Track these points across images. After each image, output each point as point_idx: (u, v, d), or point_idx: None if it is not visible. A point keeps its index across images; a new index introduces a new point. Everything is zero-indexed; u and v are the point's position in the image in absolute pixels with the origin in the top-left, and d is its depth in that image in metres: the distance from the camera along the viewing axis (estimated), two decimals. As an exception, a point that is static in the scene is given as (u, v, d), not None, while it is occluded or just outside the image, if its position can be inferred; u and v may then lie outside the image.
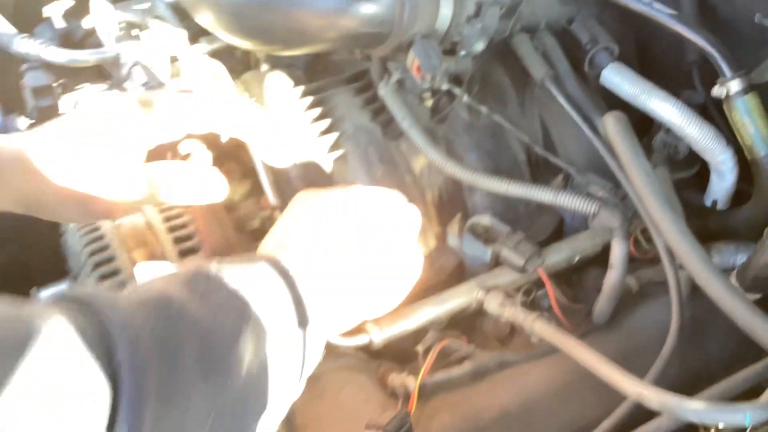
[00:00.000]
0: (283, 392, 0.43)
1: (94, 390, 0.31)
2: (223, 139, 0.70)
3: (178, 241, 0.76)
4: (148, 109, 0.56)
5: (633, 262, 0.85)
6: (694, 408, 0.58)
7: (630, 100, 0.83)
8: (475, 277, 0.85)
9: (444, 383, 0.75)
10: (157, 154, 0.61)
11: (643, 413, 0.65)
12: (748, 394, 0.64)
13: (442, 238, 0.88)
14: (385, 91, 0.87)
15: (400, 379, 0.75)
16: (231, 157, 0.86)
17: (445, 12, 0.78)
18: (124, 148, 0.56)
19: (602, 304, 0.80)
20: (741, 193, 0.87)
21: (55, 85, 0.84)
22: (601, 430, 0.68)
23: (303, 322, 0.43)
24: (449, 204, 0.90)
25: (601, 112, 0.80)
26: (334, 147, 0.86)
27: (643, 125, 0.90)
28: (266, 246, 0.50)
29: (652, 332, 0.77)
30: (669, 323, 0.73)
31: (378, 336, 0.78)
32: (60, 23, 0.93)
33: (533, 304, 0.82)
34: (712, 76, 0.78)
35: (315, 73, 0.97)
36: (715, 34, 0.77)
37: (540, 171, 0.94)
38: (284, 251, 0.47)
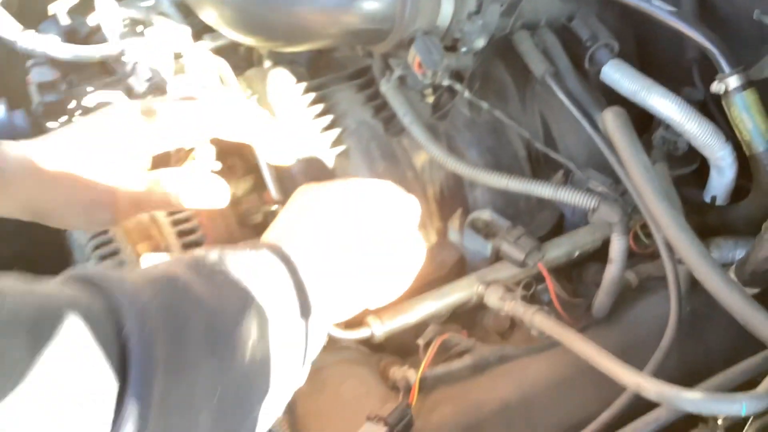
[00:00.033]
0: (286, 377, 0.44)
1: (103, 362, 0.31)
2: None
3: (181, 234, 0.77)
4: (150, 117, 0.57)
5: (632, 257, 0.86)
6: (690, 398, 0.59)
7: (630, 96, 0.84)
8: (475, 271, 0.85)
9: (445, 376, 0.76)
10: (161, 154, 0.62)
11: (641, 406, 0.66)
12: (746, 386, 0.65)
13: (443, 233, 0.89)
14: (386, 87, 0.88)
15: (401, 372, 0.76)
16: (234, 153, 0.87)
17: (446, 8, 0.78)
18: (129, 157, 0.58)
19: (602, 298, 0.80)
20: (740, 189, 0.87)
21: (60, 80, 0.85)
22: (600, 422, 0.69)
23: (305, 307, 0.44)
24: (450, 199, 0.90)
25: (601, 108, 0.81)
26: (337, 143, 0.86)
27: (643, 122, 0.91)
28: (268, 237, 0.50)
29: (652, 326, 0.78)
30: (668, 317, 0.74)
31: (379, 329, 0.79)
32: (65, 20, 0.94)
33: (533, 298, 0.83)
34: (712, 73, 0.78)
35: (317, 70, 0.98)
36: (714, 31, 0.78)
37: (540, 167, 0.95)
38: (286, 240, 0.47)
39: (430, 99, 0.91)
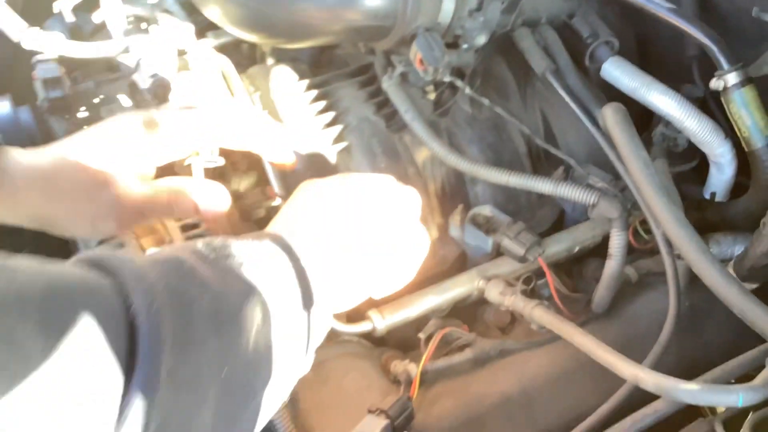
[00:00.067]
0: (289, 365, 0.44)
1: (113, 338, 0.32)
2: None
3: (185, 228, 0.77)
4: (153, 129, 0.58)
5: (632, 253, 0.87)
6: (688, 389, 0.59)
7: (630, 93, 0.84)
8: (476, 266, 0.86)
9: (445, 370, 0.76)
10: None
11: (640, 399, 0.67)
12: (744, 379, 0.65)
13: (445, 228, 0.90)
14: (388, 84, 0.89)
15: (402, 365, 0.76)
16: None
17: (448, 5, 0.79)
18: (133, 166, 0.59)
19: (601, 292, 0.81)
20: (739, 186, 0.88)
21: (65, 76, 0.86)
22: (600, 414, 0.69)
23: (307, 296, 0.45)
24: (451, 195, 0.91)
25: (601, 104, 0.81)
26: (339, 139, 0.87)
27: (643, 119, 0.91)
28: (271, 229, 0.51)
29: (651, 321, 0.79)
30: (667, 312, 0.74)
31: (381, 323, 0.80)
32: (70, 17, 0.95)
33: (533, 293, 0.83)
34: (712, 71, 0.79)
35: (319, 67, 0.99)
36: (714, 28, 0.78)
37: (541, 163, 0.95)
38: (288, 232, 0.48)
39: (432, 96, 0.91)
